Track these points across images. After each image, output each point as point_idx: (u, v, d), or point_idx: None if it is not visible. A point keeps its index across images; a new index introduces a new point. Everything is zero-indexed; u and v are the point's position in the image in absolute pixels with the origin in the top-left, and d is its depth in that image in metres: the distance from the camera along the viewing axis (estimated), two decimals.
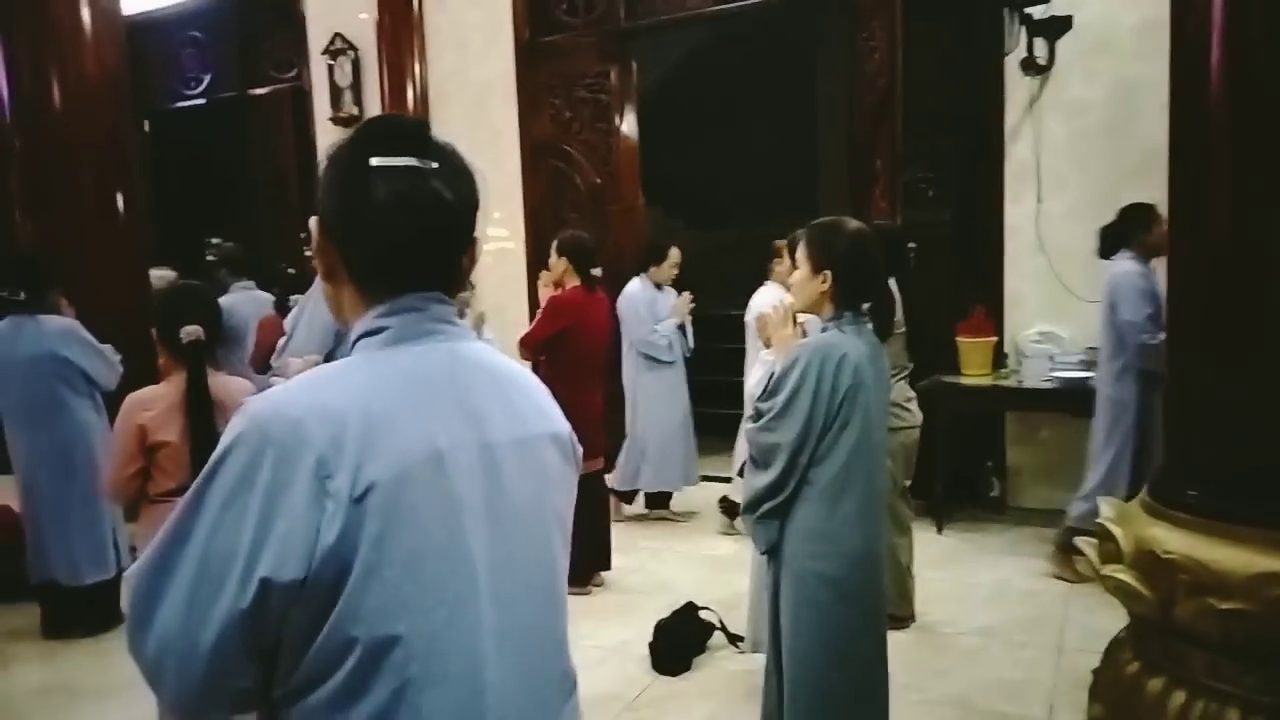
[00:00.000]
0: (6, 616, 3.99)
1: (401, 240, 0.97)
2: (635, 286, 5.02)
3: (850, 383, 2.13)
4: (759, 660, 2.40)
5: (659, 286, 5.09)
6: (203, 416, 2.24)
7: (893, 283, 3.21)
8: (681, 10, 5.82)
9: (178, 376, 2.34)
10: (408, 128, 1.00)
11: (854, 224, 2.30)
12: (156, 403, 2.31)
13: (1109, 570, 2.39)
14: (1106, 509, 2.60)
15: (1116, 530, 2.42)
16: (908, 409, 3.57)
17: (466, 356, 1.01)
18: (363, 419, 0.88)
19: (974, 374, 4.75)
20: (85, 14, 4.51)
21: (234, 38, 7.46)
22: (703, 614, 3.57)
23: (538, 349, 3.99)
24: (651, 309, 5.00)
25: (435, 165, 0.97)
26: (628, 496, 5.19)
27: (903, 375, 3.56)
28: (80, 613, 3.74)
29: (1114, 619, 2.61)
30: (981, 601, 3.89)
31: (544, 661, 1.03)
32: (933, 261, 4.85)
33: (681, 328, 5.03)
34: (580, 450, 1.14)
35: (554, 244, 4.10)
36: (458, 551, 0.92)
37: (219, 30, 7.53)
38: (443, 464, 0.92)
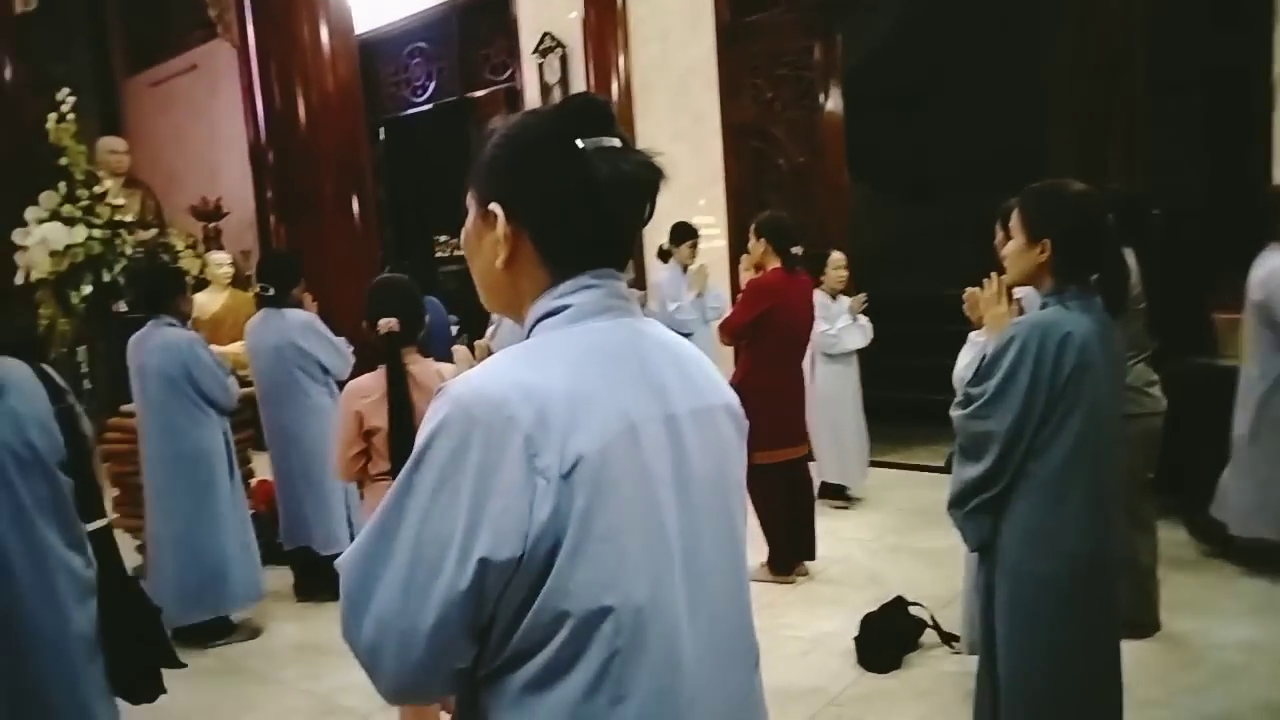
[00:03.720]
0: (268, 578, 4.47)
1: (620, 219, 0.97)
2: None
3: (1075, 364, 1.91)
4: (976, 662, 2.23)
5: None
6: (399, 403, 2.37)
7: (1130, 254, 2.88)
8: None
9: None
10: (601, 107, 0.98)
11: (1078, 186, 2.07)
12: (371, 391, 2.47)
13: None
14: None
15: None
16: (1149, 394, 3.19)
17: (643, 330, 1.01)
18: (564, 395, 0.88)
19: (1235, 356, 4.18)
20: (324, 35, 4.92)
21: (455, 45, 7.95)
22: (913, 610, 3.39)
23: (738, 334, 3.94)
24: None
25: (620, 143, 0.97)
26: None
27: (1142, 357, 3.19)
28: (326, 578, 4.13)
29: None
30: (1243, 612, 3.43)
31: (732, 634, 1.02)
32: (1182, 231, 4.32)
33: None
34: (747, 423, 1.11)
35: (752, 226, 4.02)
36: (654, 524, 0.92)
37: (441, 39, 8.05)
38: (636, 437, 0.91)
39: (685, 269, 5.56)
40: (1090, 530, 1.96)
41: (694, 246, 5.59)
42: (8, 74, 6.13)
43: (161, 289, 3.82)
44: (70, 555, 1.82)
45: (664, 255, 5.69)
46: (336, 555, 0.98)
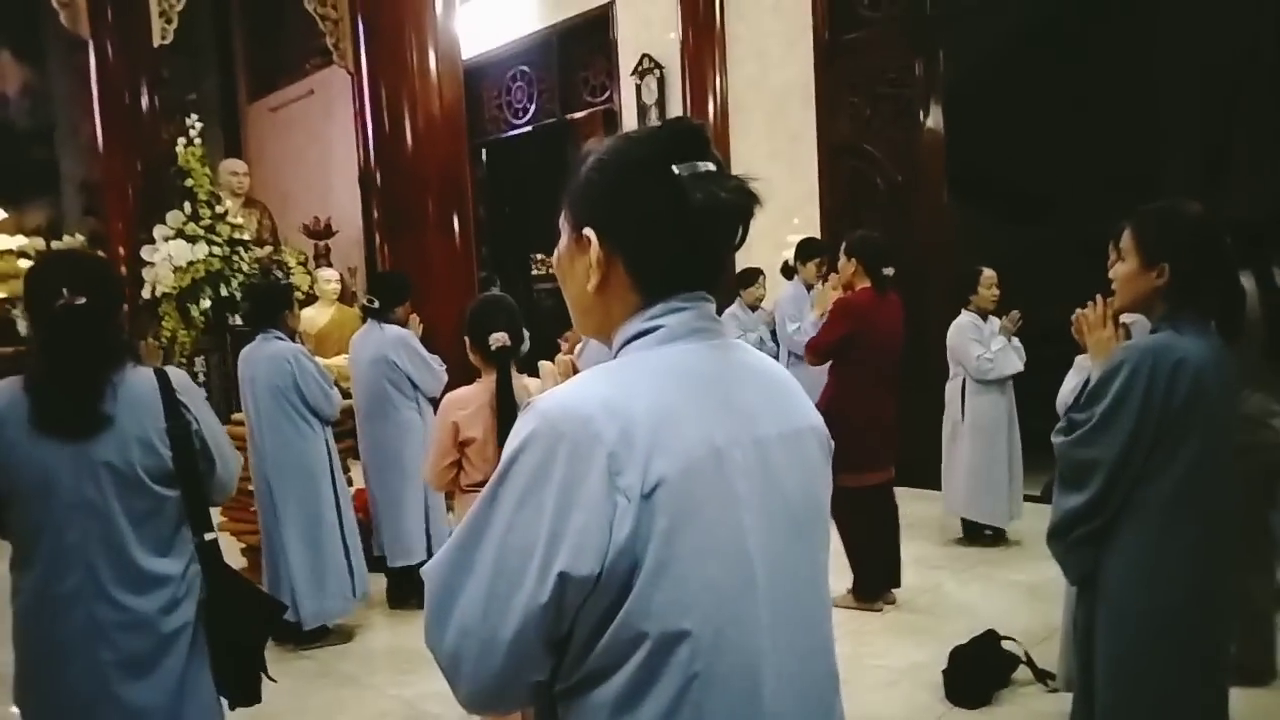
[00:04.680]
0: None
1: (713, 244, 0.97)
2: None
3: (1188, 391, 1.81)
4: (1071, 700, 2.13)
5: None
6: (508, 415, 2.42)
7: (1248, 278, 2.74)
8: None
9: (488, 378, 2.56)
10: (697, 131, 0.99)
11: (1195, 207, 1.97)
12: (470, 402, 2.54)
13: None
14: None
15: None
16: (1270, 426, 3.00)
17: (731, 353, 1.01)
18: (649, 416, 0.89)
19: None
20: (432, 61, 5.10)
21: (555, 68, 8.14)
22: (1006, 644, 3.26)
23: (822, 353, 3.88)
24: None
25: (716, 167, 0.97)
26: None
27: (1261, 388, 3.00)
28: (418, 586, 4.22)
29: None
30: None
31: (815, 660, 1.01)
32: None
33: None
34: (833, 444, 1.09)
35: (842, 246, 3.97)
36: (737, 549, 0.92)
37: (542, 63, 8.25)
38: (721, 461, 0.91)
39: (810, 288, 5.37)
40: (1201, 565, 1.85)
41: (821, 265, 5.36)
42: (144, 102, 6.56)
43: (271, 304, 4.00)
44: (159, 563, 1.90)
45: (788, 272, 5.53)
46: (424, 564, 1.00)
